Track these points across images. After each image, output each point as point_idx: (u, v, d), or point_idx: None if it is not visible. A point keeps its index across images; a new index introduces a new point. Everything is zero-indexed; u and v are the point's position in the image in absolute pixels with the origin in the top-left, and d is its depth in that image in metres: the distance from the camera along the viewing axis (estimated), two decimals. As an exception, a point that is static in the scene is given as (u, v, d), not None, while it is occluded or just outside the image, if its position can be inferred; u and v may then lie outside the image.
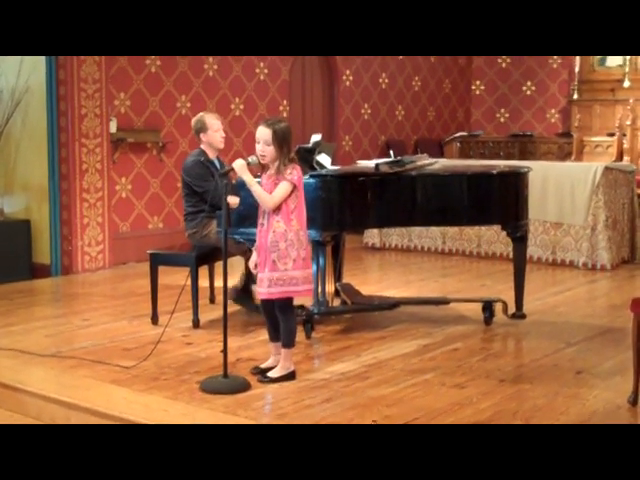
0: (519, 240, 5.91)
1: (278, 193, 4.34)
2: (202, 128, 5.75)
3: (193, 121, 5.85)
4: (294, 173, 4.34)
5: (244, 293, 5.95)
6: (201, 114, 5.88)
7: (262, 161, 4.41)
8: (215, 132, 5.76)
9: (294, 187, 4.35)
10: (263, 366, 4.62)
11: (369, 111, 11.46)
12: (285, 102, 10.14)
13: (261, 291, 4.46)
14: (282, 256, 4.36)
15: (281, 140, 4.31)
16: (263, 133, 4.34)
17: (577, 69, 12.19)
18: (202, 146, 5.81)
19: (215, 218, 5.54)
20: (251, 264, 4.63)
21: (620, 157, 10.60)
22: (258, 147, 4.38)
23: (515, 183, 5.82)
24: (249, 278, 5.77)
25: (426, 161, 6.19)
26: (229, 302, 4.95)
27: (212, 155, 5.80)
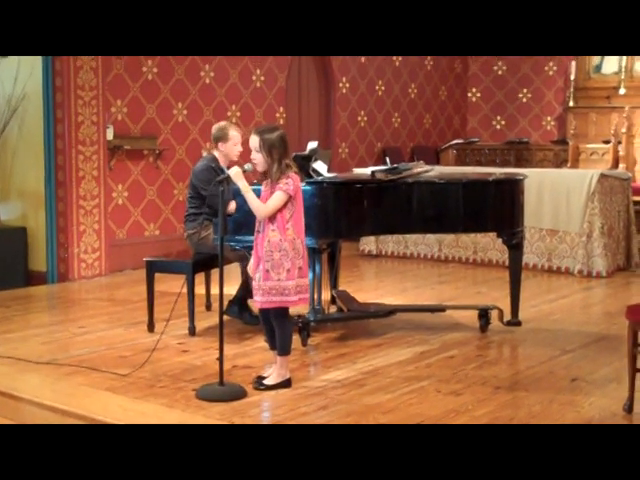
0: (515, 247, 5.92)
1: (272, 203, 4.35)
2: (223, 138, 5.86)
3: (215, 128, 5.95)
4: (290, 182, 4.35)
5: (240, 307, 5.94)
6: (225, 124, 6.01)
7: (256, 168, 4.44)
8: (234, 145, 5.88)
9: (289, 197, 4.36)
10: (266, 375, 4.61)
11: (365, 118, 11.48)
12: (281, 109, 10.16)
13: (256, 299, 4.47)
14: (275, 266, 4.37)
15: (269, 147, 4.33)
16: (252, 141, 4.40)
17: (573, 76, 12.22)
18: (216, 153, 5.90)
19: (214, 223, 5.57)
20: (249, 269, 4.63)
21: (616, 164, 10.62)
22: (251, 155, 4.42)
23: (511, 190, 5.84)
24: (246, 290, 5.74)
25: (422, 168, 6.20)
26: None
27: (224, 164, 5.89)
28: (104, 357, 5.17)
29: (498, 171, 7.30)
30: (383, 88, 11.73)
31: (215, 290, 4.90)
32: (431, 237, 8.84)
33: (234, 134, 5.88)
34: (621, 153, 10.72)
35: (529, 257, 8.00)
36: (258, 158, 4.38)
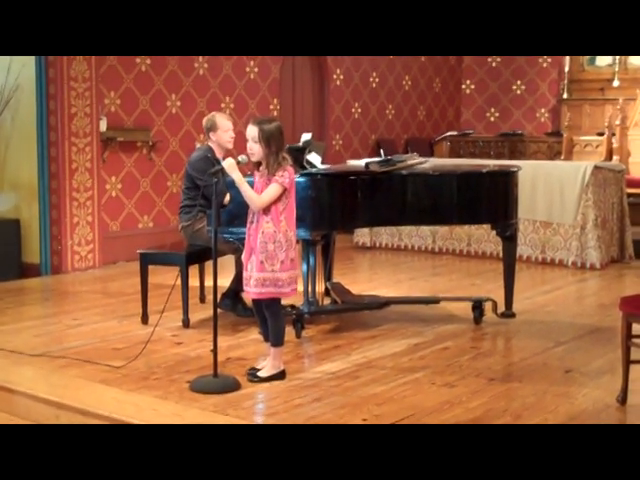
0: (509, 239, 5.93)
1: (267, 194, 4.34)
2: (212, 127, 5.84)
3: (204, 120, 5.97)
4: (285, 175, 4.35)
5: (233, 299, 5.92)
6: (213, 113, 6.01)
7: (251, 159, 4.43)
8: (225, 132, 5.85)
9: (284, 190, 4.35)
10: (259, 367, 4.61)
11: (359, 110, 11.47)
12: (275, 101, 10.14)
13: (249, 290, 4.47)
14: (270, 257, 4.36)
15: (268, 138, 4.32)
16: (250, 131, 4.38)
17: (567, 68, 12.24)
18: (211, 144, 5.88)
19: (208, 215, 5.56)
20: (244, 258, 4.63)
21: (609, 156, 10.62)
22: (247, 145, 4.41)
23: (505, 182, 5.84)
24: (239, 283, 5.72)
25: (416, 160, 6.19)
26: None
27: (219, 154, 5.86)
28: (98, 349, 5.16)
29: (492, 163, 7.31)
30: (377, 80, 11.71)
31: (209, 282, 4.90)
32: (425, 229, 8.84)
33: (223, 121, 5.86)
34: (615, 145, 10.71)
35: (523, 249, 8.00)
36: (255, 148, 4.37)
